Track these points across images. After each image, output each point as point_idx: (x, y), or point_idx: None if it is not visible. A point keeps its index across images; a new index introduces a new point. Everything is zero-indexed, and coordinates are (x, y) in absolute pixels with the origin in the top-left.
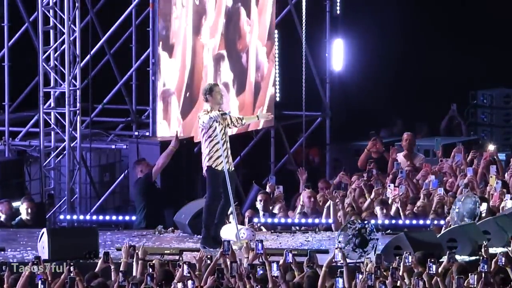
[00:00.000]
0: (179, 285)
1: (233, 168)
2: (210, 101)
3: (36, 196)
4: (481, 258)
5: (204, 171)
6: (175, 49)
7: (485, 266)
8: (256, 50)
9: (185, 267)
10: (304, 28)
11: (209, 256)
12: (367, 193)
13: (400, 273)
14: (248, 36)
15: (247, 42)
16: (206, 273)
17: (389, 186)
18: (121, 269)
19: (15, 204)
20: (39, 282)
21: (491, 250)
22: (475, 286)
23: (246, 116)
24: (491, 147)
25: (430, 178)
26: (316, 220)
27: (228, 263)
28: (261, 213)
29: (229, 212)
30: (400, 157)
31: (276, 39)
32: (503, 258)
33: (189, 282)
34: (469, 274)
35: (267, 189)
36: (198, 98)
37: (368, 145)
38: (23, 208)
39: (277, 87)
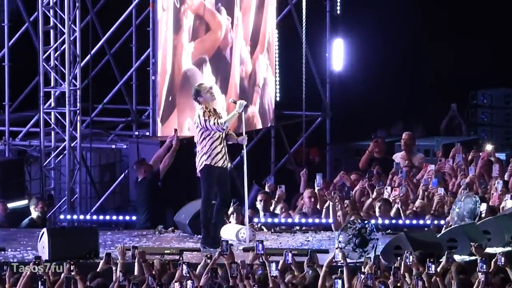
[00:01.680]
0: (176, 284)
1: (230, 165)
2: (203, 103)
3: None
4: (479, 258)
5: (198, 170)
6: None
7: (484, 266)
8: (241, 52)
9: (184, 267)
10: (304, 28)
11: (208, 256)
12: (371, 192)
13: (401, 273)
14: (230, 35)
15: (229, 40)
16: (204, 272)
17: (386, 189)
18: (119, 269)
19: (14, 204)
20: (39, 282)
21: (491, 250)
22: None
23: (227, 118)
24: (489, 147)
25: (430, 167)
26: (316, 220)
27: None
28: (261, 213)
29: (229, 212)
30: (398, 156)
31: (276, 39)
32: (503, 258)
33: (189, 282)
34: (480, 273)
35: (266, 190)
36: (178, 102)
37: (370, 147)
38: (36, 208)
39: (277, 87)
